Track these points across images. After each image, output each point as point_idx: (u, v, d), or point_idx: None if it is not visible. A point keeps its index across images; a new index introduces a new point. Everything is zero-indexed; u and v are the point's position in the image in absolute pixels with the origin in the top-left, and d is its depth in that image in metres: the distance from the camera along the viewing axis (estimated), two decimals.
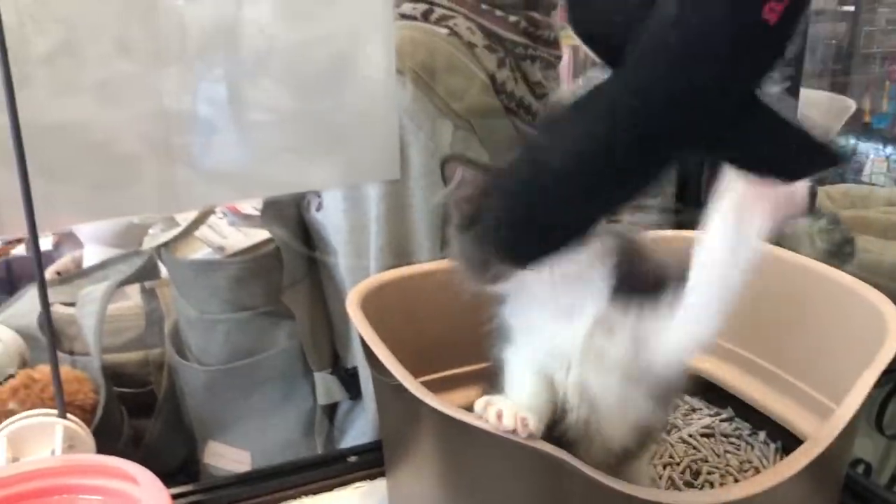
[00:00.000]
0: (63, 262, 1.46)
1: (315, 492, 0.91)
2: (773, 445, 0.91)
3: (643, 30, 0.44)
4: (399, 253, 1.01)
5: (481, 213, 0.56)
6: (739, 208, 0.54)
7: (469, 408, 0.62)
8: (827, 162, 0.47)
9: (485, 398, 0.61)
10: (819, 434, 0.65)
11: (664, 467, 0.88)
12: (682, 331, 0.59)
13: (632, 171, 0.46)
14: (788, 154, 0.46)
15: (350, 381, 1.17)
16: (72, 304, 1.23)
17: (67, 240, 1.54)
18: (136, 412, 1.24)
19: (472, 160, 0.61)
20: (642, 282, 0.61)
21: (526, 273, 0.59)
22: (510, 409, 0.58)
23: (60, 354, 1.19)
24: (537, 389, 0.64)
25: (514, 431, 0.58)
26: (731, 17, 0.41)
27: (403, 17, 1.01)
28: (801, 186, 0.53)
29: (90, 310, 1.17)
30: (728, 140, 0.45)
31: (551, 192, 0.48)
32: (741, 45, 0.42)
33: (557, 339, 0.62)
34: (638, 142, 0.45)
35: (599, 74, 0.46)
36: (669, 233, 1.01)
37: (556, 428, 0.65)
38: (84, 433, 0.75)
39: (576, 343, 0.62)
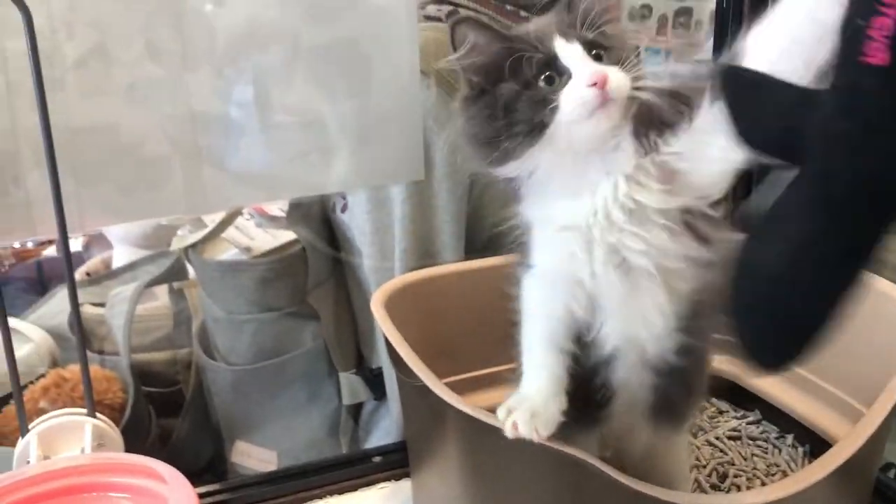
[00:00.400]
0: (93, 262, 1.49)
1: (340, 492, 0.91)
2: (801, 449, 0.91)
3: (813, 126, 0.45)
4: (423, 254, 1.02)
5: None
6: None
7: (493, 409, 0.63)
8: None
9: (506, 405, 0.61)
10: (848, 437, 0.65)
11: (690, 470, 0.87)
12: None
13: (850, 248, 0.47)
14: None
15: (375, 382, 1.17)
16: (101, 305, 1.25)
17: (97, 241, 1.56)
18: (164, 411, 1.26)
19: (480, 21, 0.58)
20: (662, 122, 0.57)
21: (539, 155, 0.57)
22: (526, 416, 0.58)
23: (90, 354, 1.20)
24: (554, 353, 0.62)
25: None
26: (887, 90, 0.42)
27: (428, 18, 1.01)
28: None
29: (119, 310, 1.19)
30: None
31: (783, 292, 0.49)
32: None
33: (578, 212, 0.58)
34: (847, 218, 0.46)
35: None
36: None
37: (585, 391, 0.63)
38: (113, 432, 0.76)
39: (602, 210, 0.57)
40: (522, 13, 1.02)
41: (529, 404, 0.60)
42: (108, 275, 1.36)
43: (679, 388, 0.67)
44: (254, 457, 1.21)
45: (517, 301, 0.66)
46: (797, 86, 0.47)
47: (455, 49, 0.58)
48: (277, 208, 1.24)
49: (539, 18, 0.61)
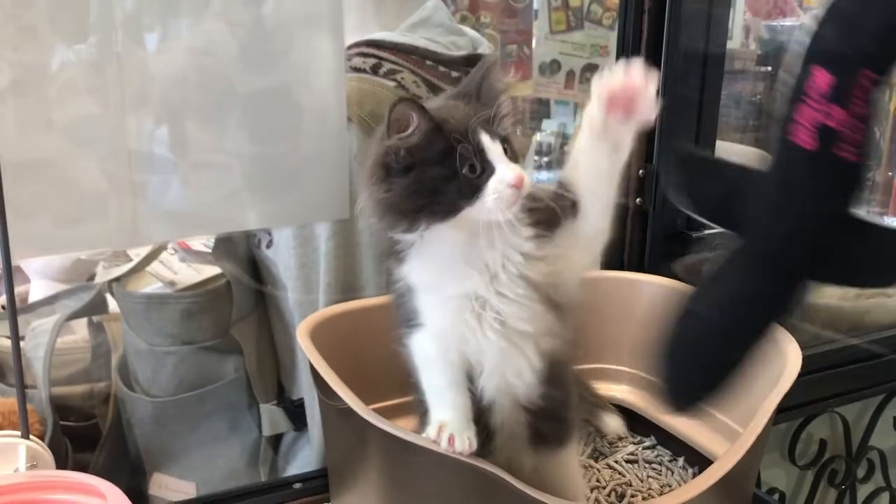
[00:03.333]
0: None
1: None
2: (691, 470, 0.99)
3: (752, 196, 0.53)
4: (346, 288, 1.06)
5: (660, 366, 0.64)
6: (601, 123, 0.66)
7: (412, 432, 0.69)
8: None
9: (437, 421, 0.68)
10: (725, 456, 0.73)
11: (591, 490, 0.94)
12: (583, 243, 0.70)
13: (777, 303, 0.55)
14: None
15: (295, 413, 1.20)
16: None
17: (13, 274, 1.54)
18: (80, 445, 1.25)
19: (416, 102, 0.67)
20: (545, 219, 0.68)
21: (444, 229, 0.65)
22: (459, 431, 0.66)
23: (3, 387, 1.20)
24: (457, 391, 0.71)
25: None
26: (816, 161, 0.50)
27: (354, 69, 1.07)
28: (650, 91, 0.65)
29: (39, 342, 1.18)
30: (842, 256, 0.54)
31: (718, 342, 0.57)
32: (828, 183, 0.51)
33: (471, 282, 0.67)
34: (781, 279, 0.54)
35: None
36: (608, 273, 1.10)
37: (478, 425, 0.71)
38: (46, 453, 0.77)
39: (495, 282, 0.67)
40: (441, 68, 1.09)
41: (456, 424, 0.67)
42: (24, 308, 1.35)
43: (549, 423, 0.77)
44: (172, 489, 1.22)
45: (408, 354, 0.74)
46: (738, 163, 0.57)
47: (389, 124, 0.65)
48: (202, 243, 1.27)
49: (454, 102, 0.69)
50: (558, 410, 0.76)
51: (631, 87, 0.64)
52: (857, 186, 0.52)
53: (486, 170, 0.64)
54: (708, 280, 0.59)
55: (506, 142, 0.65)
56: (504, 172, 0.63)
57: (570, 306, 0.72)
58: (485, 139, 0.64)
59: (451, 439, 0.66)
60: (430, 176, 0.64)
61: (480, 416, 0.72)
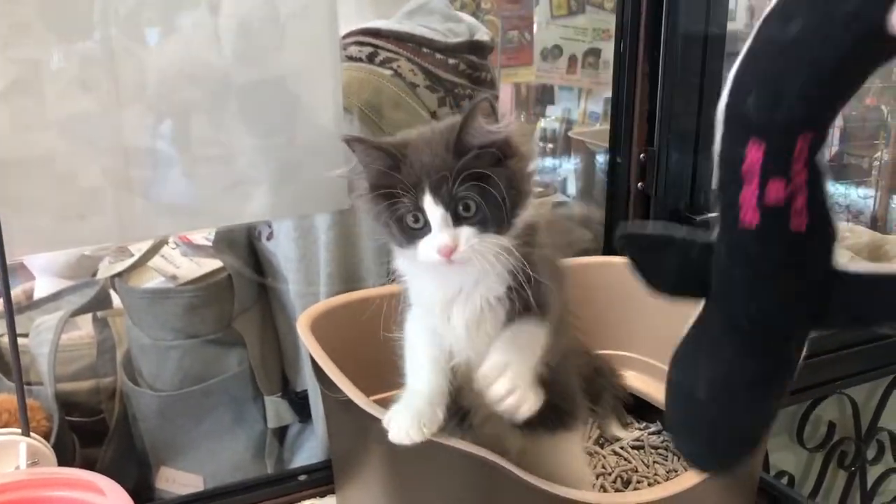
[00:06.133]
0: (13, 293, 1.47)
1: None
2: None
3: (714, 269, 0.52)
4: (347, 279, 1.06)
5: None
6: None
7: None
8: None
9: (388, 414, 0.69)
10: None
11: (597, 477, 0.94)
12: None
13: (763, 376, 0.53)
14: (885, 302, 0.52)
15: (300, 405, 1.20)
16: (24, 335, 1.25)
17: (18, 271, 1.55)
18: (87, 441, 1.25)
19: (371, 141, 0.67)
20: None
21: (423, 257, 0.66)
22: (406, 421, 0.67)
23: (11, 384, 1.20)
24: (433, 368, 0.72)
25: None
26: (766, 238, 0.47)
27: (350, 59, 1.07)
28: None
29: (44, 339, 1.19)
30: (824, 311, 0.51)
31: (705, 415, 0.55)
32: (786, 258, 0.49)
33: (440, 299, 0.69)
34: (758, 345, 0.52)
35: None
36: (597, 259, 1.09)
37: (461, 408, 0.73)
38: (47, 450, 0.78)
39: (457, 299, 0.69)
40: (438, 55, 1.08)
41: (412, 409, 0.68)
42: (29, 305, 1.36)
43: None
44: (179, 482, 1.23)
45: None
46: (693, 238, 0.54)
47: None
48: (203, 237, 1.27)
49: (432, 139, 0.67)
50: (551, 398, 0.75)
51: None
52: (820, 250, 0.49)
53: (426, 227, 0.65)
54: (685, 354, 0.57)
55: (460, 202, 0.64)
56: (432, 240, 0.64)
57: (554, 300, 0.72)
58: (427, 201, 0.64)
59: (393, 427, 0.67)
60: (380, 210, 0.67)
61: (458, 394, 0.74)
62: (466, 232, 0.64)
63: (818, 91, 0.43)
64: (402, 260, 0.72)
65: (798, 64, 0.43)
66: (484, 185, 0.64)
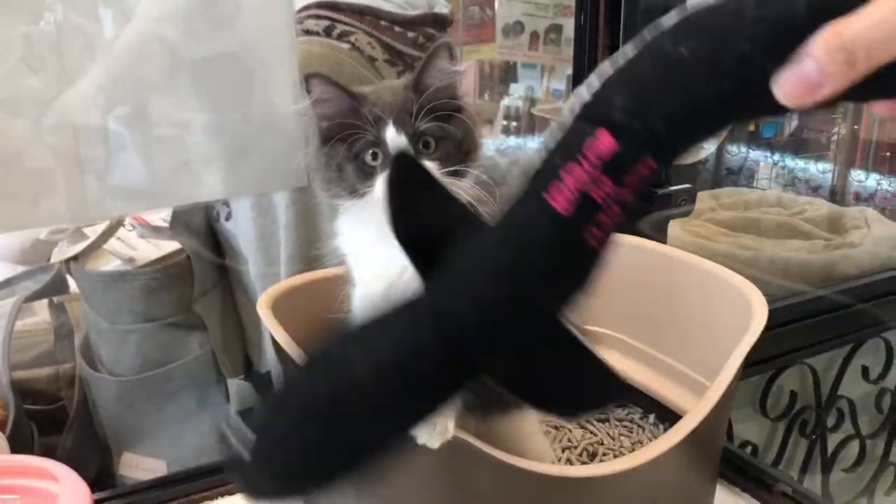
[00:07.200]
0: None
1: (232, 492, 0.93)
2: (661, 427, 0.99)
3: (463, 241, 0.43)
4: (308, 259, 1.05)
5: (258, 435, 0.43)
6: None
7: None
8: (617, 396, 0.47)
9: None
10: (693, 411, 0.72)
11: (563, 450, 0.94)
12: None
13: (436, 383, 0.43)
14: (581, 385, 0.45)
15: (264, 387, 1.19)
16: None
17: None
18: (47, 429, 1.23)
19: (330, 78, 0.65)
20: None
21: (359, 210, 0.66)
22: None
23: None
24: None
25: None
26: (563, 233, 0.41)
27: (307, 32, 1.05)
28: None
29: None
30: (528, 363, 0.44)
31: (353, 407, 0.42)
32: (563, 265, 0.42)
33: (386, 266, 0.66)
34: (446, 353, 0.42)
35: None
36: None
37: None
38: (0, 440, 0.76)
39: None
40: (397, 28, 1.07)
41: None
42: None
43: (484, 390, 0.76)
44: (142, 467, 1.21)
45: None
46: (462, 203, 0.47)
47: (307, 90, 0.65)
48: (160, 219, 1.24)
49: (396, 83, 0.68)
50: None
51: None
52: (586, 280, 0.43)
53: (385, 161, 0.64)
54: (368, 321, 0.44)
55: (423, 136, 0.64)
56: None
57: None
58: (390, 133, 0.63)
59: None
60: (335, 154, 0.65)
61: None
62: (428, 166, 0.63)
63: (682, 120, 0.40)
64: (349, 228, 0.71)
65: (675, 86, 0.40)
66: (444, 124, 0.64)
